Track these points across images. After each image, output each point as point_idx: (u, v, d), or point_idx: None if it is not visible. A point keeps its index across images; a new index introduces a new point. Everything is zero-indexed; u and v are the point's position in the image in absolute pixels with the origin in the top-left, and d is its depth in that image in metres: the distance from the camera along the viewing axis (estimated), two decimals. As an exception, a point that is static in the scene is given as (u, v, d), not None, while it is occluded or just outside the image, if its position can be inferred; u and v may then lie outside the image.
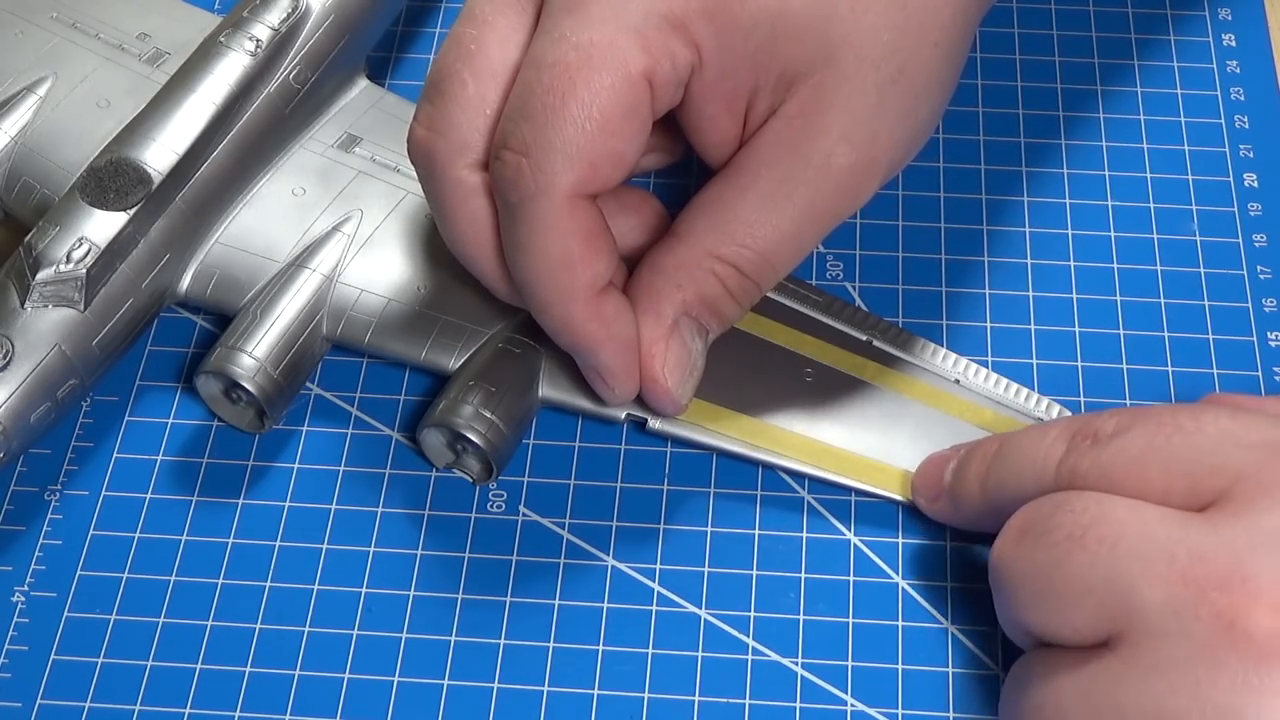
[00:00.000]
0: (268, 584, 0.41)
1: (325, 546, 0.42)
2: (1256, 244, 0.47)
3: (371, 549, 0.41)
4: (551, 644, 0.40)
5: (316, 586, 0.41)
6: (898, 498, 0.41)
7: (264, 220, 0.45)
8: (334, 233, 0.44)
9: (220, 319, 0.45)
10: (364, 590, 0.41)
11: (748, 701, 0.39)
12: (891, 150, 0.38)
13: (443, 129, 0.38)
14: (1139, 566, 0.33)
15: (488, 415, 0.41)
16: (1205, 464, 0.34)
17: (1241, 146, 0.49)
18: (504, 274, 0.39)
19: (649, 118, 0.37)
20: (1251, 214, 0.47)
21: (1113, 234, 0.47)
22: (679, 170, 0.44)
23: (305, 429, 0.44)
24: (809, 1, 0.37)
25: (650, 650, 0.40)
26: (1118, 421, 0.36)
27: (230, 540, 0.42)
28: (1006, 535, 0.36)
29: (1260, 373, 0.44)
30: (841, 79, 0.37)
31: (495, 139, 0.37)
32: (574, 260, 0.37)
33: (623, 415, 0.42)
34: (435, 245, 0.41)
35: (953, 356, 0.43)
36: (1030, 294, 0.46)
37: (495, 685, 0.39)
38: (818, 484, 0.42)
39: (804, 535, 0.41)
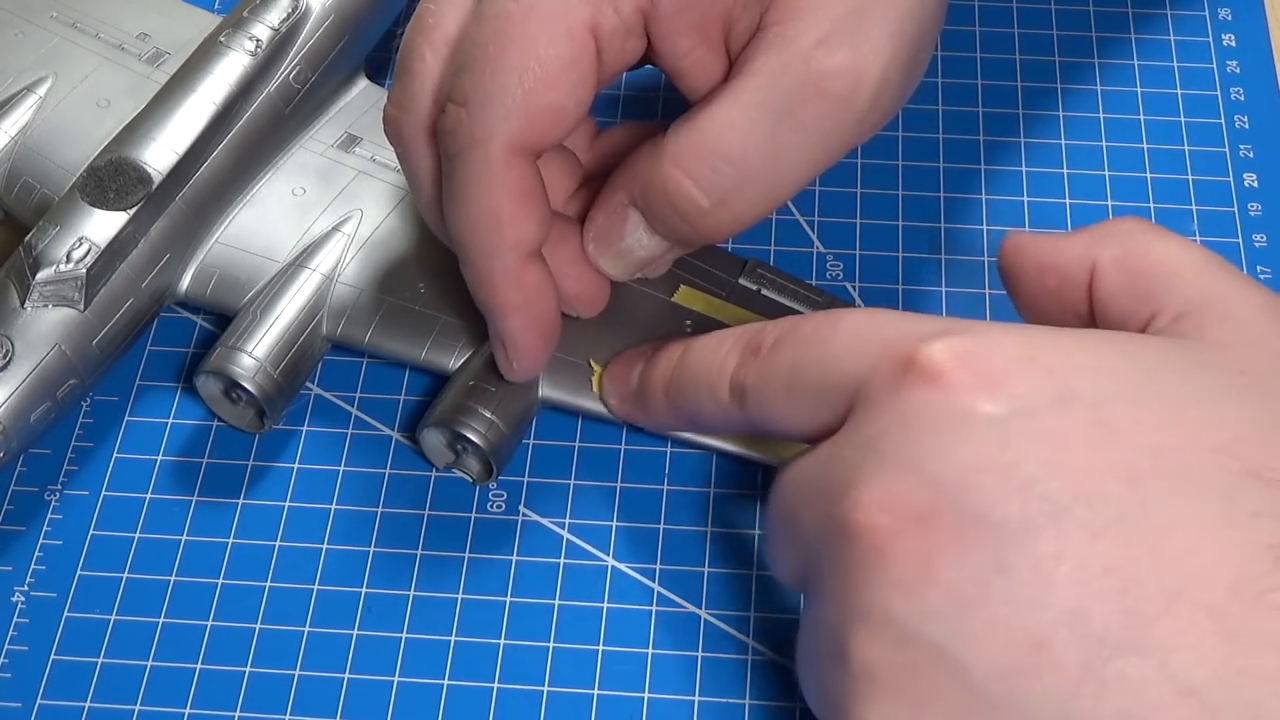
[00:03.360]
0: (268, 584, 0.41)
1: (325, 546, 0.42)
2: (1256, 244, 0.47)
3: (371, 549, 0.41)
4: (551, 644, 0.40)
5: (316, 586, 0.41)
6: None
7: (264, 220, 0.45)
8: (334, 233, 0.44)
9: (220, 319, 0.45)
10: (364, 590, 0.41)
11: (748, 701, 0.39)
12: (875, 58, 0.36)
13: (407, 105, 0.38)
14: (793, 516, 0.33)
15: (488, 415, 0.41)
16: (835, 377, 0.33)
17: (1241, 146, 0.49)
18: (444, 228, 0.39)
19: (592, 71, 0.36)
20: (1251, 214, 0.47)
21: (1113, 234, 0.47)
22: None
23: (305, 429, 0.44)
24: None
25: (650, 650, 0.40)
26: (778, 333, 0.35)
27: (230, 540, 0.42)
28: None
29: (1260, 373, 0.44)
30: None
31: (442, 94, 0.37)
32: (502, 217, 0.37)
33: (623, 415, 0.42)
34: (436, 245, 0.41)
35: (953, 356, 0.43)
36: (1030, 294, 0.46)
37: (495, 685, 0.39)
38: (818, 484, 0.42)
39: (804, 535, 0.41)
